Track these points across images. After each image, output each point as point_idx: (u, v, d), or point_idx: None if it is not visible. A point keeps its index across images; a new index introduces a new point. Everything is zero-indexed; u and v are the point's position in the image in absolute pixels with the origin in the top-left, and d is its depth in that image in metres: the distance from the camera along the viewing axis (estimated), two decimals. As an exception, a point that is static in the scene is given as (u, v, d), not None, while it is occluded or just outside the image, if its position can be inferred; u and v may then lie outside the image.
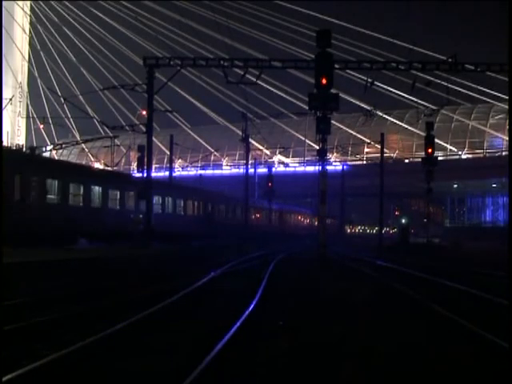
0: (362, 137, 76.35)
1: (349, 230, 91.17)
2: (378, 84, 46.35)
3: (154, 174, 38.35)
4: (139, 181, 38.32)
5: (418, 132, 69.16)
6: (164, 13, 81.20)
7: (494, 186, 77.23)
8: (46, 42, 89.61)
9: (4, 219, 19.40)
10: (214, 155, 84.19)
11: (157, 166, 73.56)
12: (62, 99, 61.28)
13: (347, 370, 6.90)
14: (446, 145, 75.53)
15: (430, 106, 55.55)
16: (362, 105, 63.47)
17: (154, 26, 78.84)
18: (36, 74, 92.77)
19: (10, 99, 69.31)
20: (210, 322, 10.04)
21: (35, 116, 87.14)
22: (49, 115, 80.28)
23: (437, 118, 64.04)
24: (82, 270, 18.48)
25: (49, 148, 71.96)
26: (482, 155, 76.33)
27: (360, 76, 45.67)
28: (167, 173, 59.16)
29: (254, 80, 37.63)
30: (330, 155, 71.32)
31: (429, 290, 14.75)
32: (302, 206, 79.49)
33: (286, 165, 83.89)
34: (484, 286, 15.69)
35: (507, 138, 68.89)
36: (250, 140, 61.15)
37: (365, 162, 78.32)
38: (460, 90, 65.80)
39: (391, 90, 69.15)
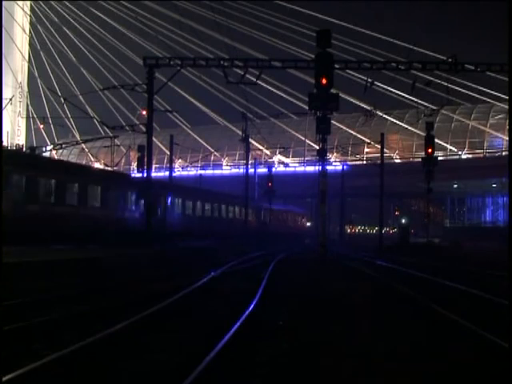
0: (362, 137, 76.33)
1: (349, 230, 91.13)
2: (378, 84, 46.30)
3: (153, 174, 38.33)
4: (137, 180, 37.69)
5: (418, 132, 69.15)
6: (164, 13, 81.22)
7: (494, 186, 77.22)
8: (45, 42, 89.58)
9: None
10: (214, 155, 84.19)
11: (157, 166, 73.58)
12: (61, 99, 61.28)
13: (347, 370, 6.91)
14: (446, 145, 75.51)
15: (430, 105, 55.55)
16: (362, 105, 63.62)
17: (154, 26, 78.87)
18: (36, 74, 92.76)
19: (10, 99, 69.31)
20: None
21: (35, 116, 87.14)
22: (49, 115, 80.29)
23: (437, 118, 64.03)
24: (81, 270, 18.48)
25: (49, 148, 72.00)
26: (481, 155, 76.29)
27: (360, 76, 45.78)
28: (167, 173, 59.15)
29: (254, 80, 37.61)
30: (330, 155, 71.33)
31: (429, 290, 14.75)
32: (293, 205, 79.18)
33: (286, 165, 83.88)
34: (484, 285, 15.69)
35: (507, 138, 68.87)
36: (250, 140, 61.14)
37: (365, 162, 78.30)
38: (460, 89, 65.89)
39: (391, 90, 69.15)
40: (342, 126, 77.20)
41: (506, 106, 63.47)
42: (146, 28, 78.72)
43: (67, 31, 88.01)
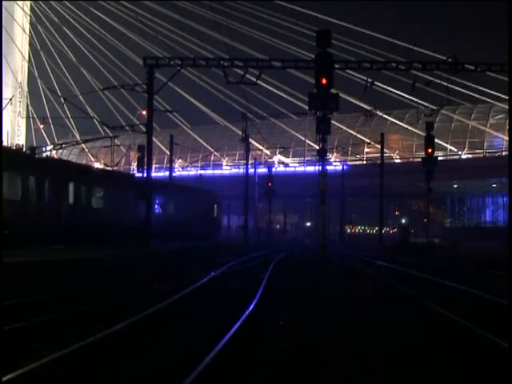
0: (362, 137, 76.33)
1: (349, 230, 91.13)
2: (378, 84, 46.29)
3: (153, 174, 38.31)
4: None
5: (418, 132, 69.14)
6: (164, 13, 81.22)
7: (494, 186, 77.20)
8: (46, 42, 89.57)
9: None
10: (214, 155, 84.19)
11: (157, 166, 73.56)
12: (62, 99, 61.31)
13: (347, 370, 6.91)
14: (446, 145, 75.50)
15: (430, 105, 55.56)
16: (362, 105, 63.58)
17: (154, 26, 78.87)
18: (36, 74, 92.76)
19: (10, 99, 69.28)
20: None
21: (35, 116, 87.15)
22: (49, 115, 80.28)
23: (437, 118, 64.01)
24: (81, 270, 18.48)
25: (49, 148, 72.00)
26: (481, 155, 76.28)
27: (360, 76, 45.76)
28: (167, 173, 59.17)
29: (254, 80, 37.62)
30: (330, 155, 71.31)
31: (429, 290, 14.74)
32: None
33: (286, 165, 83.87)
34: (484, 286, 15.68)
35: (507, 138, 68.86)
36: (250, 140, 61.14)
37: (365, 162, 78.29)
38: (460, 89, 65.85)
39: (391, 89, 69.12)
40: (342, 126, 77.19)
41: (506, 106, 63.44)
42: (146, 28, 78.75)
43: (67, 31, 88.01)
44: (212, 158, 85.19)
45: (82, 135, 77.93)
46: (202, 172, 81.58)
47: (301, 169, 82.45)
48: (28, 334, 8.52)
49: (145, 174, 37.60)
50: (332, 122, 29.42)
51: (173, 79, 39.85)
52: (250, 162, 58.89)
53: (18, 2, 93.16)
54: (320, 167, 28.94)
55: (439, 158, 48.94)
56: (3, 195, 22.65)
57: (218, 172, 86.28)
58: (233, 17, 71.79)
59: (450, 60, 33.79)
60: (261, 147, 79.00)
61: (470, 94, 70.36)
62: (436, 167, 42.37)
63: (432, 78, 39.26)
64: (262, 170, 67.35)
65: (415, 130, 70.97)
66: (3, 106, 51.84)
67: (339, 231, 76.30)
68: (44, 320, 9.42)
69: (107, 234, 31.84)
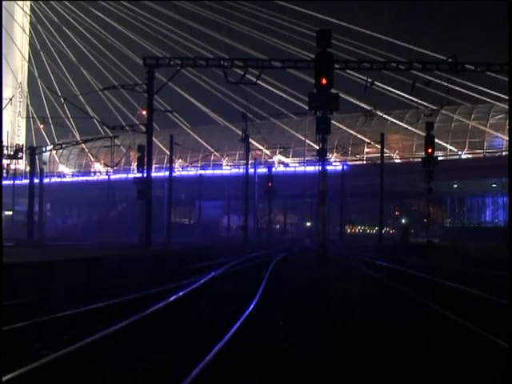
0: (362, 137, 76.35)
1: (349, 230, 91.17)
2: (378, 84, 46.30)
3: (153, 174, 38.32)
4: None
5: (418, 132, 69.14)
6: (164, 13, 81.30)
7: (494, 186, 77.18)
8: (46, 42, 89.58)
9: None
10: (214, 155, 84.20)
11: (157, 166, 73.56)
12: (62, 99, 61.33)
13: (347, 369, 6.91)
14: (446, 145, 75.51)
15: (430, 105, 55.59)
16: (362, 105, 63.62)
17: (154, 26, 78.94)
18: (36, 74, 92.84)
19: (10, 99, 69.37)
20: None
21: (35, 116, 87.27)
22: (49, 115, 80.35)
23: (437, 118, 63.99)
24: (81, 270, 18.47)
25: (49, 148, 72.04)
26: (481, 155, 76.29)
27: (360, 76, 45.75)
28: (167, 173, 59.19)
29: (254, 80, 37.64)
30: (330, 155, 71.31)
31: (429, 291, 14.72)
32: None
33: (286, 165, 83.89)
34: (484, 285, 15.67)
35: (507, 138, 68.86)
36: (250, 140, 61.18)
37: (365, 162, 78.30)
38: (460, 89, 65.87)
39: (391, 89, 69.17)
40: (341, 126, 77.19)
41: (506, 106, 63.45)
42: (146, 28, 78.82)
43: (67, 31, 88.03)
44: (212, 157, 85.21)
45: (82, 135, 78.01)
46: (202, 172, 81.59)
47: (301, 169, 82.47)
48: (28, 333, 8.51)
49: (145, 174, 37.63)
50: (332, 121, 29.41)
51: (173, 79, 39.91)
52: (249, 161, 58.91)
53: (18, 2, 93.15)
54: (320, 167, 28.94)
55: (439, 158, 48.95)
56: None
57: (218, 172, 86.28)
58: (233, 17, 71.88)
59: (450, 60, 33.81)
60: (261, 147, 79.02)
61: (470, 93, 70.49)
62: (436, 167, 42.37)
63: (432, 78, 39.32)
64: (262, 169, 67.39)
65: (415, 130, 70.98)
66: (3, 106, 51.85)
67: (339, 231, 76.28)
68: (44, 320, 9.39)
69: None
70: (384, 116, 75.75)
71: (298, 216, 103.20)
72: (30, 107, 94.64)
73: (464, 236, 61.11)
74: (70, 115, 75.72)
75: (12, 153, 66.32)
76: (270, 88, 75.41)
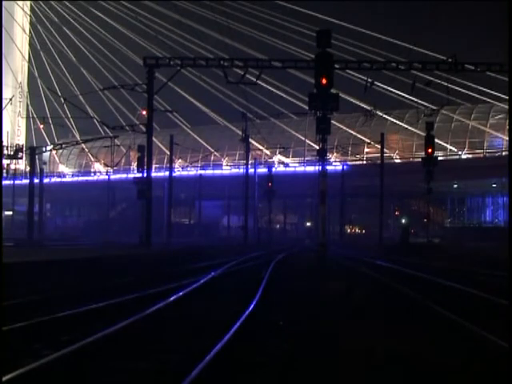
0: (362, 137, 76.35)
1: (349, 230, 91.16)
2: (378, 84, 46.32)
3: (153, 174, 38.33)
4: None
5: (418, 132, 69.14)
6: (164, 13, 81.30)
7: (494, 186, 77.19)
8: (46, 42, 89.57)
9: None
10: (214, 155, 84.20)
11: (157, 166, 73.57)
12: (62, 99, 61.38)
13: (348, 369, 6.91)
14: (446, 145, 75.52)
15: (430, 105, 55.58)
16: (362, 105, 63.60)
17: (154, 26, 78.94)
18: (36, 74, 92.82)
19: (10, 99, 69.39)
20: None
21: (35, 116, 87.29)
22: (49, 115, 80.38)
23: (437, 118, 64.00)
24: (81, 270, 18.49)
25: (49, 148, 72.06)
26: (481, 155, 76.30)
27: (360, 76, 45.74)
28: (167, 173, 59.19)
29: (254, 80, 37.65)
30: (330, 155, 71.30)
31: (429, 291, 14.71)
32: None
33: (286, 165, 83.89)
34: (484, 285, 15.66)
35: (507, 138, 68.87)
36: (250, 140, 61.19)
37: (365, 162, 78.30)
38: (460, 89, 65.85)
39: (391, 89, 69.17)
40: (342, 126, 77.18)
41: (506, 106, 63.46)
42: (146, 28, 78.82)
43: (67, 31, 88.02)
44: (212, 158, 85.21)
45: (82, 135, 78.01)
46: (202, 172, 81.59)
47: (301, 169, 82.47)
48: (28, 333, 8.51)
49: (145, 174, 37.63)
50: (332, 121, 29.38)
51: (173, 79, 39.92)
52: (250, 161, 58.91)
53: (18, 2, 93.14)
54: (320, 167, 28.92)
55: (439, 158, 48.96)
56: None
57: (218, 172, 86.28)
58: (233, 17, 71.85)
59: (450, 60, 33.83)
60: (261, 147, 79.02)
61: (470, 93, 70.44)
62: (436, 167, 42.36)
63: (432, 78, 39.33)
64: (262, 170, 67.38)
65: (415, 130, 70.98)
66: (3, 105, 51.85)
67: (339, 231, 76.26)
68: (44, 320, 9.40)
69: None
70: (384, 116, 75.73)
71: (298, 216, 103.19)
72: (30, 107, 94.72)
73: (464, 236, 61.15)
74: (70, 115, 75.81)
75: (12, 153, 66.37)
76: (270, 88, 75.47)
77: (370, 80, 34.86)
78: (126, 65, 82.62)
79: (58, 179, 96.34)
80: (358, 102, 68.05)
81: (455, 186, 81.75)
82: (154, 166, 44.40)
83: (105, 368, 6.73)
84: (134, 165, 59.12)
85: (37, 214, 61.43)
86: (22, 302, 11.50)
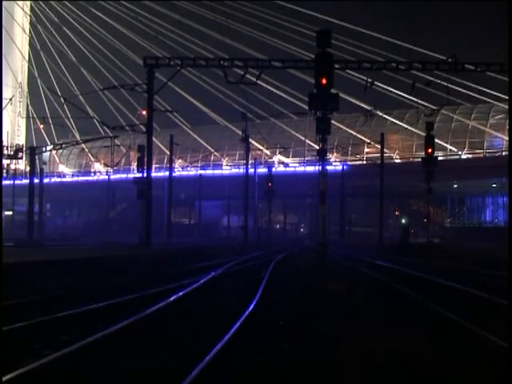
0: (362, 137, 76.34)
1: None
2: (378, 84, 46.32)
3: (153, 174, 38.33)
4: None
5: (418, 132, 69.13)
6: (164, 13, 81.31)
7: (494, 186, 77.18)
8: (46, 42, 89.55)
9: None
10: (214, 155, 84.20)
11: (157, 166, 73.57)
12: (62, 99, 61.38)
13: (347, 369, 6.91)
14: (446, 145, 75.51)
15: (430, 105, 55.59)
16: (362, 105, 63.63)
17: (154, 26, 78.95)
18: (36, 74, 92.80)
19: (10, 99, 69.41)
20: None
21: (35, 116, 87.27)
22: (49, 115, 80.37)
23: (437, 118, 64.00)
24: (81, 270, 18.49)
25: (49, 148, 72.06)
26: (481, 155, 76.29)
27: (360, 76, 45.74)
28: (167, 173, 59.19)
29: (254, 80, 37.66)
30: (330, 155, 71.29)
31: (429, 291, 14.71)
32: None
33: (286, 165, 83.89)
34: (484, 285, 15.66)
35: (507, 138, 68.87)
36: (250, 140, 61.18)
37: (365, 162, 78.30)
38: (460, 89, 65.84)
39: (391, 89, 69.18)
40: (342, 126, 77.17)
41: (506, 106, 63.47)
42: (146, 28, 78.83)
43: (67, 31, 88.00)
44: (212, 158, 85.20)
45: (82, 135, 78.02)
46: (202, 172, 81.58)
47: (301, 169, 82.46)
48: (28, 333, 8.51)
49: (145, 174, 37.63)
50: (332, 121, 29.37)
51: (173, 79, 39.92)
52: (250, 161, 58.90)
53: (18, 2, 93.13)
54: (320, 167, 28.92)
55: (439, 158, 48.95)
56: None
57: (217, 172, 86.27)
58: (233, 17, 71.84)
59: (450, 60, 33.84)
60: (261, 147, 79.02)
61: (470, 93, 70.43)
62: (436, 167, 42.35)
63: (432, 78, 39.35)
64: (262, 170, 67.38)
65: (415, 130, 70.98)
66: (3, 105, 51.85)
67: (339, 231, 76.22)
68: (44, 320, 9.40)
69: None
70: (384, 116, 75.75)
71: (298, 216, 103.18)
72: (30, 107, 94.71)
73: (464, 236, 61.13)
74: (69, 115, 75.82)
75: (12, 153, 66.41)
76: (270, 88, 75.45)
77: (370, 80, 34.88)
78: (125, 65, 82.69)
79: (58, 179, 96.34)
80: (358, 102, 68.14)
81: (455, 186, 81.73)
82: (154, 166, 44.40)
83: (105, 368, 6.73)
84: (134, 165, 59.12)
85: (37, 214, 61.45)
86: (21, 302, 11.50)
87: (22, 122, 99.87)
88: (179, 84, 77.52)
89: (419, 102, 60.87)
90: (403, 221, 74.38)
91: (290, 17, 75.93)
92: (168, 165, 61.69)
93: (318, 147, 29.68)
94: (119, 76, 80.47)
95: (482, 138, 77.44)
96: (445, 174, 54.90)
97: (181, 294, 12.85)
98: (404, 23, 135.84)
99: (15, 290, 12.86)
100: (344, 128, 78.65)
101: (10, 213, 72.90)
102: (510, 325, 8.86)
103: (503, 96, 66.68)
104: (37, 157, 59.90)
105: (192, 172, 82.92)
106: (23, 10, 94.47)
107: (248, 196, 56.57)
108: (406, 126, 75.79)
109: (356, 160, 78.57)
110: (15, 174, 77.17)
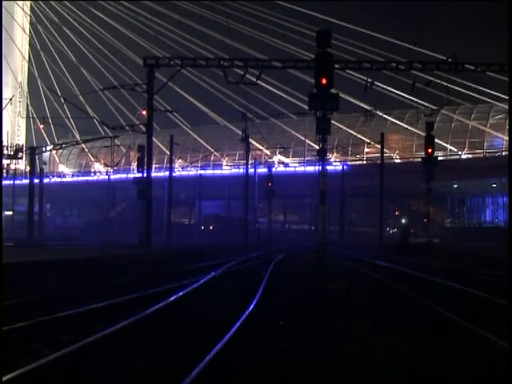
0: (362, 137, 76.34)
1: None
2: (378, 84, 46.32)
3: (153, 174, 38.32)
4: None
5: (418, 132, 69.13)
6: (164, 13, 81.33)
7: (494, 186, 77.19)
8: (46, 42, 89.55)
9: None
10: (214, 155, 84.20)
11: (157, 166, 73.57)
12: (62, 99, 61.39)
13: (348, 369, 6.91)
14: (446, 145, 75.51)
15: (430, 105, 55.59)
16: (362, 105, 63.64)
17: (154, 26, 78.96)
18: (36, 74, 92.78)
19: (10, 99, 69.42)
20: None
21: (35, 116, 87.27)
22: (49, 115, 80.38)
23: (437, 118, 63.99)
24: (81, 270, 18.48)
25: (49, 148, 72.08)
26: (481, 155, 76.29)
27: (360, 76, 45.74)
28: (167, 173, 59.19)
29: (254, 80, 37.65)
30: (330, 155, 71.28)
31: (430, 291, 14.71)
32: None
33: (286, 165, 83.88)
34: (484, 285, 15.66)
35: (507, 138, 68.87)
36: (250, 140, 61.16)
37: (365, 162, 78.29)
38: (460, 89, 65.85)
39: (391, 89, 69.18)
40: (342, 126, 77.18)
41: (506, 106, 63.46)
42: (146, 28, 78.84)
43: (67, 31, 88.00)
44: (212, 158, 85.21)
45: (82, 135, 78.02)
46: (202, 172, 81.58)
47: (301, 169, 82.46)
48: (28, 333, 8.51)
49: (145, 174, 37.62)
50: (332, 122, 29.37)
51: (173, 79, 39.92)
52: (250, 161, 58.89)
53: (18, 2, 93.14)
54: (320, 167, 28.91)
55: (439, 158, 48.94)
56: None
57: (217, 172, 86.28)
58: (233, 17, 71.84)
59: (450, 60, 33.84)
60: (261, 147, 79.03)
61: (470, 93, 70.45)
62: (436, 167, 42.34)
63: (432, 78, 39.36)
64: (262, 169, 67.38)
65: (415, 130, 70.98)
66: (3, 105, 51.86)
67: (339, 231, 76.22)
68: (44, 320, 9.39)
69: None
70: (384, 116, 75.75)
71: (298, 216, 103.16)
72: (30, 107, 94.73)
73: (464, 236, 61.13)
74: (69, 115, 75.82)
75: (12, 153, 66.39)
76: (270, 88, 75.45)
77: (370, 80, 34.88)
78: (125, 65, 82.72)
79: (58, 179, 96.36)
80: (358, 102, 68.15)
81: (455, 185, 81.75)
82: (153, 166, 44.39)
83: (105, 368, 6.73)
84: (134, 165, 59.11)
85: (37, 214, 61.45)
86: (21, 302, 11.50)
87: (22, 122, 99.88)
88: (179, 84, 77.61)
89: (419, 101, 60.91)
90: (403, 221, 74.43)
91: (290, 17, 76.02)
92: (168, 165, 61.68)
93: (318, 147, 29.68)
94: (119, 76, 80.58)
95: (482, 138, 77.45)
96: (445, 173, 54.91)
97: (181, 293, 12.85)
98: (404, 23, 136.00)
99: (15, 289, 12.86)
100: (344, 128, 78.65)
101: (10, 213, 72.92)
102: (510, 325, 8.86)
103: (503, 96, 66.75)
104: (37, 157, 59.91)
105: (192, 172, 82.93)
106: (23, 10, 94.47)
107: (248, 196, 56.57)
108: (406, 126, 75.79)
109: (356, 160, 78.57)
110: (15, 174, 77.18)
